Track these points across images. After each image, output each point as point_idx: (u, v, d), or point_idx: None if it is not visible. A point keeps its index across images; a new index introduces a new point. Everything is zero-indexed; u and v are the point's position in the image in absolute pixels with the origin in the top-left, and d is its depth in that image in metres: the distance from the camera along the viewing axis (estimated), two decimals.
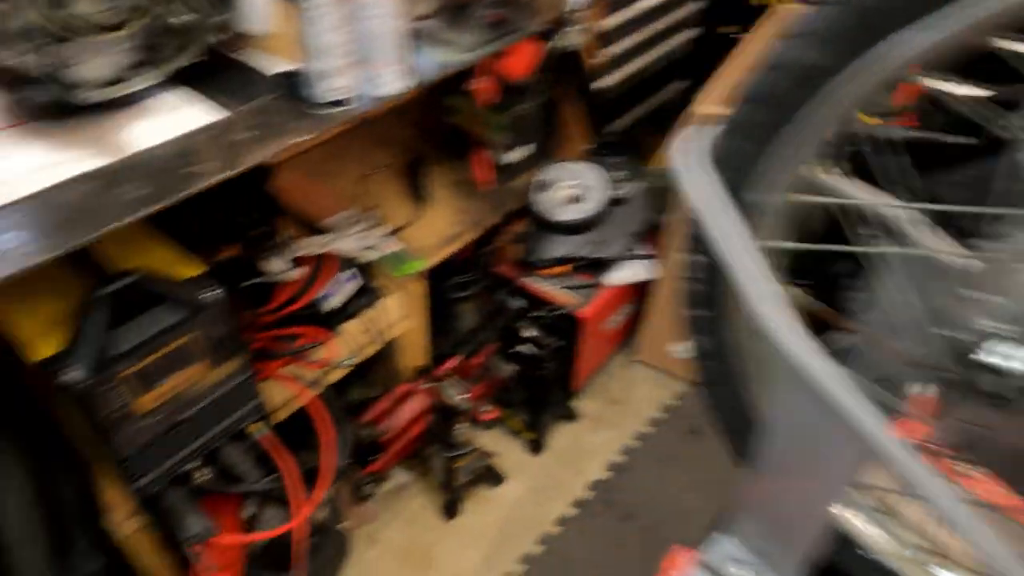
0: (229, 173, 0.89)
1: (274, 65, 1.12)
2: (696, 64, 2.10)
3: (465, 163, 1.83)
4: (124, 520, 1.17)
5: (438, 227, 1.67)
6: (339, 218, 1.61)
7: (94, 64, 0.95)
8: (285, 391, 1.33)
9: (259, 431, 1.20)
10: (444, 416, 1.55)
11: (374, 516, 1.63)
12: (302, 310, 1.39)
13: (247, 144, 0.95)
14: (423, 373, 1.71)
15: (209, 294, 1.01)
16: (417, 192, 1.75)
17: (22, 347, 0.92)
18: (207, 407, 1.11)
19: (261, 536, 1.12)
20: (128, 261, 0.99)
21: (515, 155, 1.79)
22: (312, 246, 1.48)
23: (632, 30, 1.82)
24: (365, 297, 1.51)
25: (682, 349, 2.00)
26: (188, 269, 1.04)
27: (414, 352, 1.70)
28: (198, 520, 1.07)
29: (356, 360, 1.51)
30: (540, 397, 1.75)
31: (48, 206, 0.82)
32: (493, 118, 1.70)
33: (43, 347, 0.91)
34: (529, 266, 1.71)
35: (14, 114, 1.01)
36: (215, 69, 1.09)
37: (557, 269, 1.72)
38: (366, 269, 1.52)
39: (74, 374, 0.89)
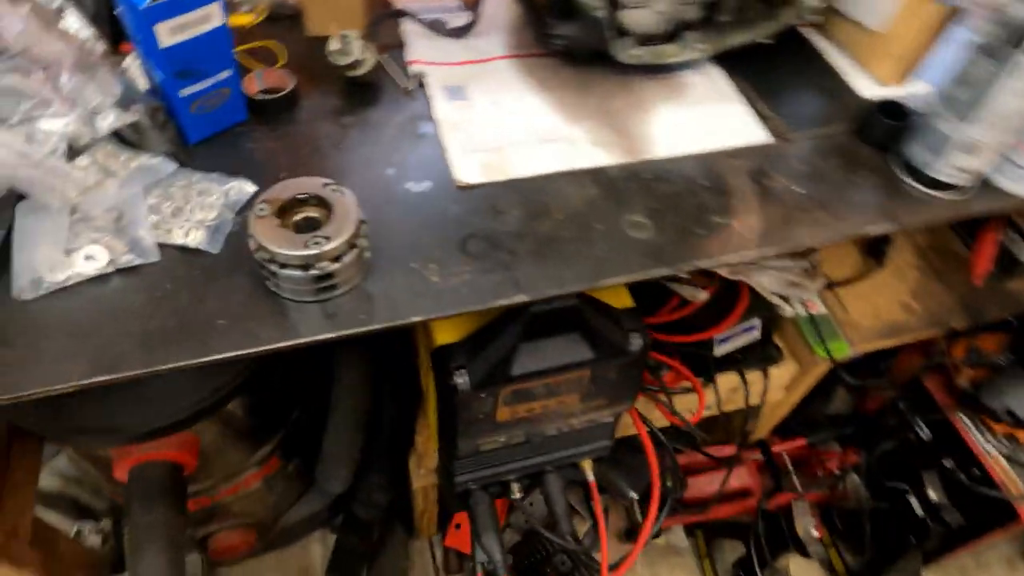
0: (767, 252, 0.60)
1: (867, 83, 0.75)
2: None
3: (958, 232, 1.34)
4: (425, 472, 1.09)
5: (882, 303, 1.25)
6: None
7: (647, 12, 0.69)
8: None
9: (589, 471, 1.01)
10: (774, 531, 1.23)
11: (629, 564, 1.42)
12: (688, 345, 1.12)
13: (796, 204, 0.64)
14: (759, 444, 1.39)
15: (636, 341, 0.78)
16: (873, 244, 1.32)
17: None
18: (559, 436, 0.93)
19: None
20: None
21: None
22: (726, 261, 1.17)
23: None
24: (758, 355, 1.19)
25: None
26: (622, 297, 0.81)
27: (765, 422, 1.38)
28: (496, 545, 0.93)
29: (708, 414, 1.24)
30: (888, 554, 1.33)
31: (541, 205, 0.61)
32: None
33: (447, 332, 0.76)
34: (976, 406, 1.23)
35: (529, 44, 0.81)
36: (777, 60, 0.76)
37: (1014, 429, 1.21)
38: (772, 320, 1.19)
39: (461, 381, 0.73)
